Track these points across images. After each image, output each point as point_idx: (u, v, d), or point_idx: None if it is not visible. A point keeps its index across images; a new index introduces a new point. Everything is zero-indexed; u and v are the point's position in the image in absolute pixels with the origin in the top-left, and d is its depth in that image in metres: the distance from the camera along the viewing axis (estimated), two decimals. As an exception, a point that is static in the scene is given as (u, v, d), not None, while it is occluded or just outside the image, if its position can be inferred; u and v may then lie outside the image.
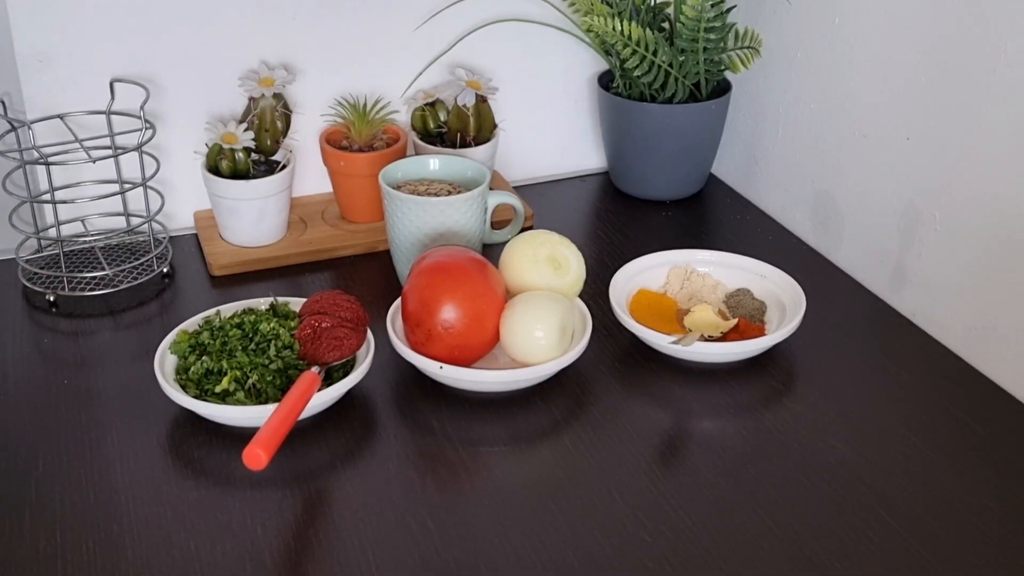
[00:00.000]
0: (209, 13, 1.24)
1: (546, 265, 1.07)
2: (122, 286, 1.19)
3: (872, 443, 0.98)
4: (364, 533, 0.87)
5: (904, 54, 1.13)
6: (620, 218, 1.38)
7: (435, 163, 1.21)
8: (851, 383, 1.06)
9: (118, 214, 1.28)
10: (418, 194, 1.16)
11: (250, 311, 1.06)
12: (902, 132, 1.15)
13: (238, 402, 0.96)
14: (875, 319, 1.17)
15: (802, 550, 0.86)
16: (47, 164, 1.17)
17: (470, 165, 1.21)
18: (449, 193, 1.17)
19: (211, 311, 1.06)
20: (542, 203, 1.40)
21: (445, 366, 1.00)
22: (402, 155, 1.28)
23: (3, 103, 1.17)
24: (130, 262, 1.23)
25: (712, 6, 1.25)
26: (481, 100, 1.30)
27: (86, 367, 1.08)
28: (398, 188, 1.17)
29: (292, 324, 1.03)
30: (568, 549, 0.86)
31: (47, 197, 1.20)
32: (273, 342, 1.00)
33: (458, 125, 1.29)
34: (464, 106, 1.28)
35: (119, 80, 1.20)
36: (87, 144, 1.20)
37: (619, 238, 1.33)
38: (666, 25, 1.36)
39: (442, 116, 1.31)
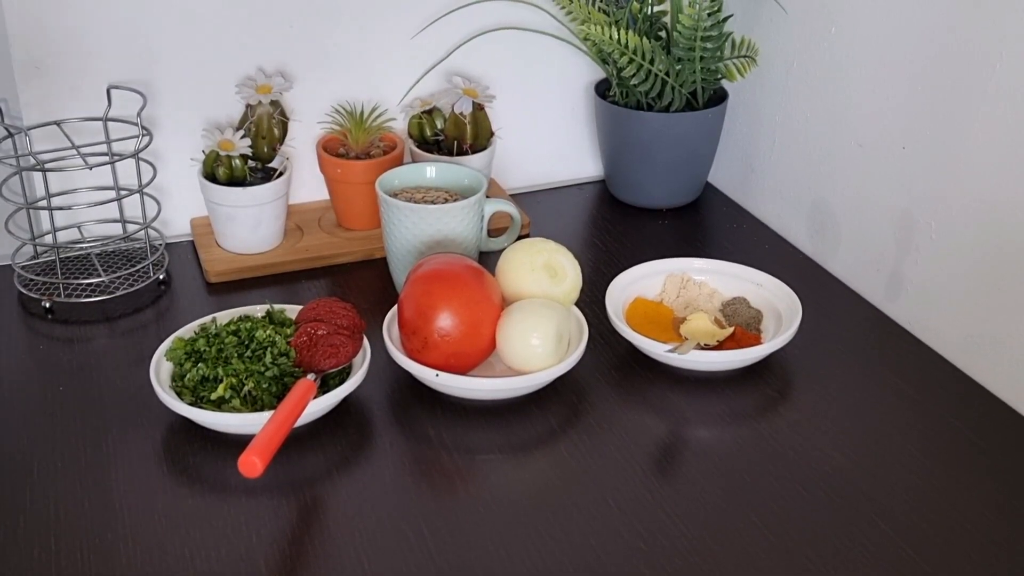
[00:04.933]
0: (206, 20, 1.24)
1: (542, 273, 1.07)
2: (118, 293, 1.19)
3: (868, 452, 0.98)
4: (359, 541, 0.87)
5: (900, 64, 1.13)
6: (617, 226, 1.38)
7: (432, 170, 1.21)
8: (847, 392, 1.06)
9: (114, 220, 1.27)
10: (415, 201, 1.16)
11: (246, 318, 1.06)
12: (898, 141, 1.15)
13: (234, 409, 0.96)
14: (871, 328, 1.17)
15: (798, 558, 0.86)
16: (44, 170, 1.17)
17: (467, 173, 1.21)
18: (446, 201, 1.17)
19: (207, 318, 1.06)
20: (539, 211, 1.40)
21: (441, 374, 1.00)
22: (399, 162, 1.28)
23: (0, 109, 1.17)
24: (126, 268, 1.23)
25: (709, 15, 1.25)
26: (478, 108, 1.30)
27: (82, 373, 1.08)
28: (395, 195, 1.17)
29: (288, 331, 1.03)
30: (564, 557, 0.86)
31: (43, 203, 1.19)
32: (269, 349, 1.00)
33: (455, 133, 1.30)
34: (461, 114, 1.28)
35: (116, 87, 1.20)
36: (84, 151, 1.20)
37: (615, 246, 1.33)
38: (663, 34, 1.36)
39: (439, 124, 1.31)
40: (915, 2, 1.10)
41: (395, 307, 1.06)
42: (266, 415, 0.93)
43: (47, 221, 1.23)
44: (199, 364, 0.99)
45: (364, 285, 1.23)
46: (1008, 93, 1.01)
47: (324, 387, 0.99)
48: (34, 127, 1.20)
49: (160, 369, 1.00)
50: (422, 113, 1.32)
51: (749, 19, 1.36)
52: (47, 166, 1.18)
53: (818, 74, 1.26)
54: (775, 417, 1.03)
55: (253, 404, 0.97)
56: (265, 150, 1.25)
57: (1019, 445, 0.99)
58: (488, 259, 1.16)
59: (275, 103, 1.24)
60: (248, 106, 1.24)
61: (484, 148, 1.31)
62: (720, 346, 1.08)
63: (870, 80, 1.18)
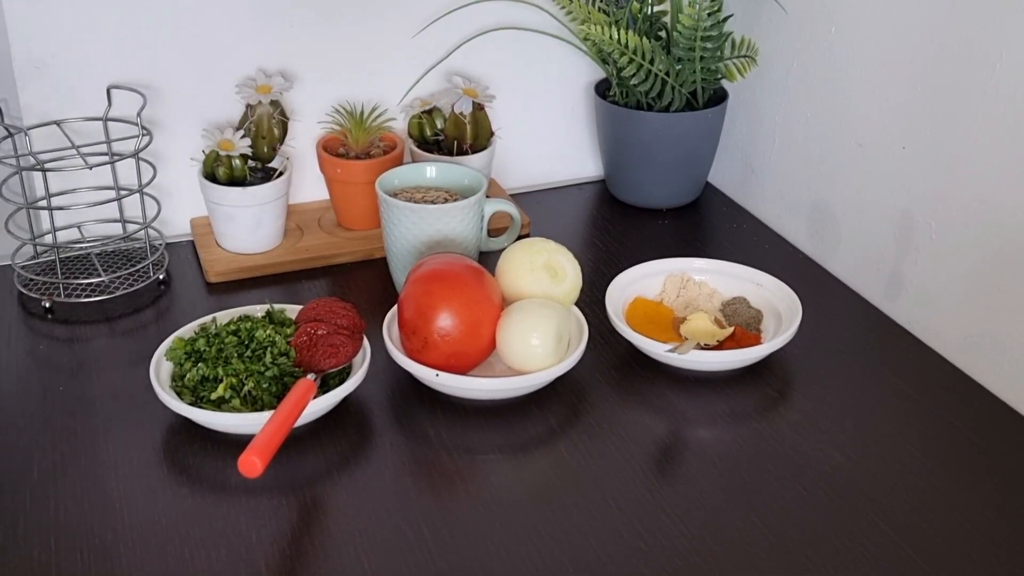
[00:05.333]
0: (207, 20, 1.24)
1: (543, 273, 1.07)
2: (118, 292, 1.19)
3: (868, 452, 0.98)
4: (359, 541, 0.87)
5: (900, 64, 1.13)
6: (617, 226, 1.38)
7: (432, 170, 1.21)
8: (847, 392, 1.06)
9: (114, 220, 1.28)
10: (415, 201, 1.16)
11: (246, 318, 1.06)
12: (898, 141, 1.15)
13: (234, 409, 0.96)
14: (871, 328, 1.17)
15: (798, 558, 0.86)
16: (44, 170, 1.17)
17: (467, 172, 1.21)
18: (446, 200, 1.17)
19: (207, 318, 1.06)
20: (539, 211, 1.40)
21: (441, 374, 1.00)
22: (399, 162, 1.28)
23: (0, 109, 1.17)
24: (126, 268, 1.23)
25: (709, 15, 1.25)
26: (478, 108, 1.30)
27: (81, 373, 1.08)
28: (395, 195, 1.17)
29: (288, 331, 1.03)
30: (564, 557, 0.86)
31: (43, 203, 1.19)
32: (269, 349, 1.00)
33: (455, 133, 1.30)
34: (461, 114, 1.28)
35: (116, 87, 1.20)
36: (84, 150, 1.20)
37: (615, 246, 1.33)
38: (663, 34, 1.36)
39: (439, 124, 1.31)
40: (915, 2, 1.10)
41: (395, 307, 1.06)
42: (266, 415, 0.93)
43: (47, 221, 1.23)
44: (199, 364, 0.99)
45: (364, 285, 1.23)
46: (1008, 93, 1.01)
47: (324, 387, 0.99)
48: (34, 127, 1.20)
49: (160, 369, 1.00)
50: (422, 113, 1.32)
51: (749, 19, 1.36)
52: (47, 166, 1.18)
53: (818, 74, 1.26)
54: (775, 417, 1.03)
55: (253, 404, 0.97)
56: (265, 150, 1.25)
57: (1019, 445, 0.99)
58: (488, 259, 1.15)
59: (275, 103, 1.24)
60: (248, 106, 1.24)
61: (484, 148, 1.31)
62: (720, 346, 1.08)
63: (870, 80, 1.18)
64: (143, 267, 1.22)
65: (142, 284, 1.21)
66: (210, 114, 1.28)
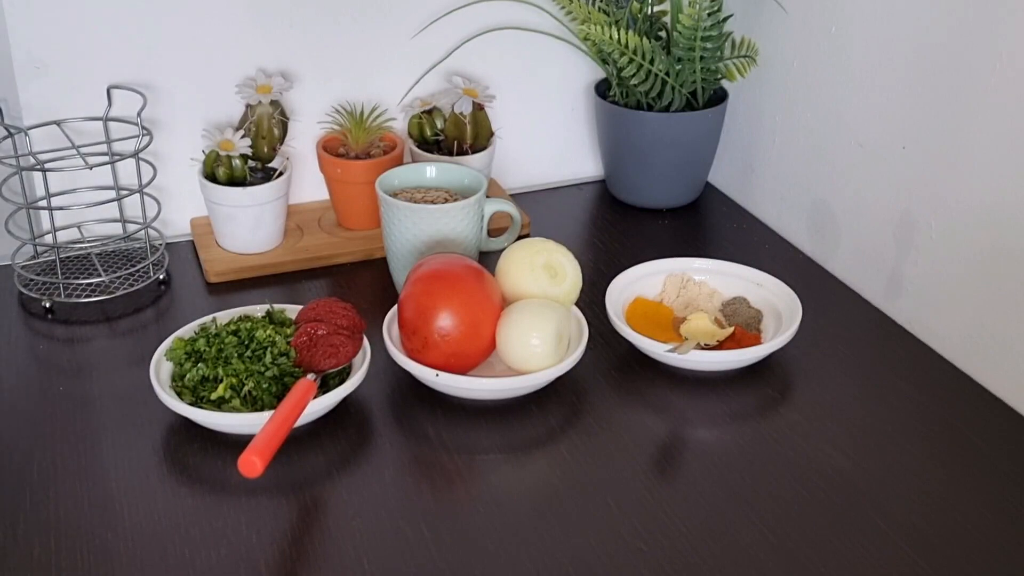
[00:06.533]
0: (207, 20, 1.24)
1: (542, 273, 1.07)
2: (118, 293, 1.19)
3: (868, 452, 0.98)
4: (359, 541, 0.87)
5: (900, 63, 1.13)
6: (617, 226, 1.38)
7: (432, 170, 1.21)
8: (847, 392, 1.06)
9: (115, 220, 1.28)
10: (415, 201, 1.16)
11: (246, 318, 1.06)
12: (898, 141, 1.15)
13: (234, 409, 0.96)
14: (871, 328, 1.17)
15: (798, 559, 0.86)
16: (44, 170, 1.17)
17: (467, 173, 1.21)
18: (446, 201, 1.17)
19: (207, 318, 1.06)
20: (539, 211, 1.40)
21: (441, 374, 1.00)
22: (399, 162, 1.28)
23: (0, 109, 1.17)
24: (126, 268, 1.23)
25: (709, 15, 1.25)
26: (478, 108, 1.30)
27: (82, 374, 1.08)
28: (395, 195, 1.17)
29: (288, 331, 1.03)
30: (564, 557, 0.86)
31: (43, 203, 1.19)
32: (269, 349, 1.00)
33: (455, 133, 1.30)
34: (461, 114, 1.28)
35: (116, 87, 1.20)
36: (84, 150, 1.20)
37: (615, 246, 1.33)
38: (663, 34, 1.36)
39: (439, 124, 1.31)
40: (915, 2, 1.10)
41: (395, 307, 1.06)
42: (266, 415, 0.93)
43: (47, 221, 1.23)
44: (199, 364, 0.99)
45: (364, 285, 1.23)
46: (1008, 93, 1.01)
47: (324, 387, 0.99)
48: (34, 127, 1.20)
49: (160, 369, 1.00)
50: (422, 113, 1.32)
51: (749, 19, 1.36)
52: (47, 166, 1.18)
53: (818, 74, 1.26)
54: (775, 417, 1.03)
55: (253, 404, 0.97)
56: (265, 150, 1.25)
57: (1019, 445, 0.99)
58: (488, 259, 1.15)
59: (275, 103, 1.24)
60: (248, 106, 1.24)
61: (484, 148, 1.31)
62: (720, 346, 1.08)
63: (870, 80, 1.18)
64: (143, 267, 1.22)
65: (142, 284, 1.21)
66: (210, 114, 1.28)
